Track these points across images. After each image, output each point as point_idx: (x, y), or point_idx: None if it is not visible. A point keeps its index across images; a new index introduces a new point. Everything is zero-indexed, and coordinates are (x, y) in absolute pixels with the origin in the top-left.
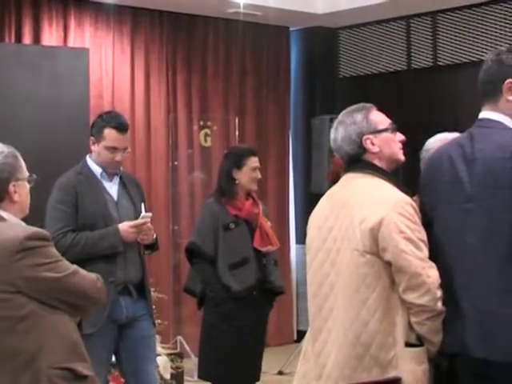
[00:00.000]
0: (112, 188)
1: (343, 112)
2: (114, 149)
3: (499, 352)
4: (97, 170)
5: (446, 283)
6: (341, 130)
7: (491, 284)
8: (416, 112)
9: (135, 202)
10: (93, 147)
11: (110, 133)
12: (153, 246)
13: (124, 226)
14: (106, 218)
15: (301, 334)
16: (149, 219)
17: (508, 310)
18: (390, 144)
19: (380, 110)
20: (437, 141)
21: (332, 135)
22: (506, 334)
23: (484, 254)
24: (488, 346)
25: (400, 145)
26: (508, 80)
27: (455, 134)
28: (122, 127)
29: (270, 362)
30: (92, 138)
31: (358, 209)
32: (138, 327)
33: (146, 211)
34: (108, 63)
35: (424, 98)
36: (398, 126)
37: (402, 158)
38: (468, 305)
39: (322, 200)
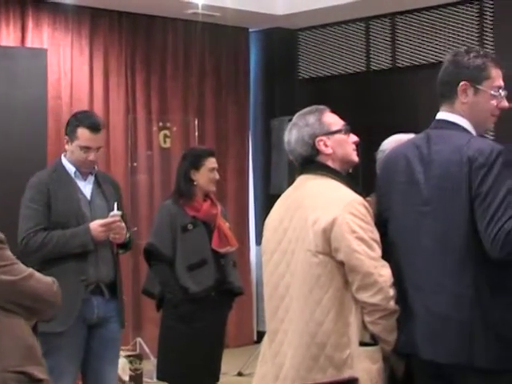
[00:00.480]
0: (86, 187)
1: (297, 114)
2: (87, 148)
3: (444, 354)
4: (71, 168)
5: (399, 283)
6: (294, 132)
7: (443, 286)
8: (375, 113)
9: (110, 200)
10: (67, 146)
11: (83, 132)
12: (126, 245)
13: (94, 225)
14: (78, 216)
15: (261, 335)
16: (118, 218)
17: (457, 314)
18: (343, 145)
19: (339, 111)
20: (392, 142)
21: (286, 138)
22: (452, 337)
23: (438, 256)
24: (434, 348)
25: (354, 146)
26: (462, 82)
27: (410, 135)
28: (95, 127)
29: (229, 363)
30: (66, 137)
31: (311, 210)
32: (108, 328)
33: (118, 210)
34: (66, 64)
35: (383, 99)
36: (357, 127)
37: (355, 159)
38: (419, 305)
39: (278, 202)
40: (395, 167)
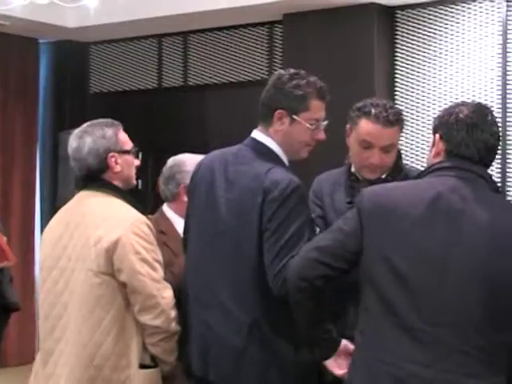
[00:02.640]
0: None
1: (91, 123)
2: None
3: (214, 374)
4: None
5: (187, 292)
6: (89, 141)
7: (228, 310)
8: (166, 131)
9: None
10: None
11: None
12: None
13: None
14: None
15: None
16: None
17: (235, 339)
18: (130, 166)
19: (131, 126)
20: (178, 160)
21: (74, 144)
22: (225, 360)
23: (227, 278)
24: (206, 366)
25: (135, 170)
26: (279, 110)
27: (200, 156)
28: None
29: (10, 382)
30: None
31: (93, 229)
32: None
33: None
34: None
35: (174, 117)
36: (148, 143)
37: (135, 182)
38: (200, 321)
39: (57, 216)
40: (202, 178)
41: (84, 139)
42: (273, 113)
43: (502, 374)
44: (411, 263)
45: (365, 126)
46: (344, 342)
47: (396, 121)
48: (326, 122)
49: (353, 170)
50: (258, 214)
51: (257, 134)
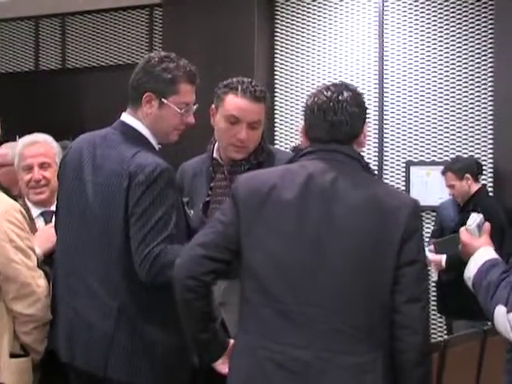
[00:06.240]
0: None
1: None
2: None
3: (82, 359)
4: None
5: (56, 277)
6: None
7: (94, 293)
8: (43, 114)
9: None
10: None
11: None
12: None
13: None
14: None
15: None
16: None
17: (101, 323)
18: None
19: (5, 110)
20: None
21: None
22: (92, 344)
23: (90, 259)
24: (73, 351)
25: None
26: (147, 93)
27: (28, 137)
28: None
29: None
30: None
31: None
32: None
33: None
34: None
35: (52, 99)
36: (24, 127)
37: None
38: (69, 307)
39: None
40: (70, 162)
41: None
42: (141, 96)
43: (379, 349)
44: (286, 247)
45: (232, 100)
46: (231, 341)
47: (262, 97)
48: (196, 106)
49: (215, 155)
50: (124, 199)
51: (126, 117)
